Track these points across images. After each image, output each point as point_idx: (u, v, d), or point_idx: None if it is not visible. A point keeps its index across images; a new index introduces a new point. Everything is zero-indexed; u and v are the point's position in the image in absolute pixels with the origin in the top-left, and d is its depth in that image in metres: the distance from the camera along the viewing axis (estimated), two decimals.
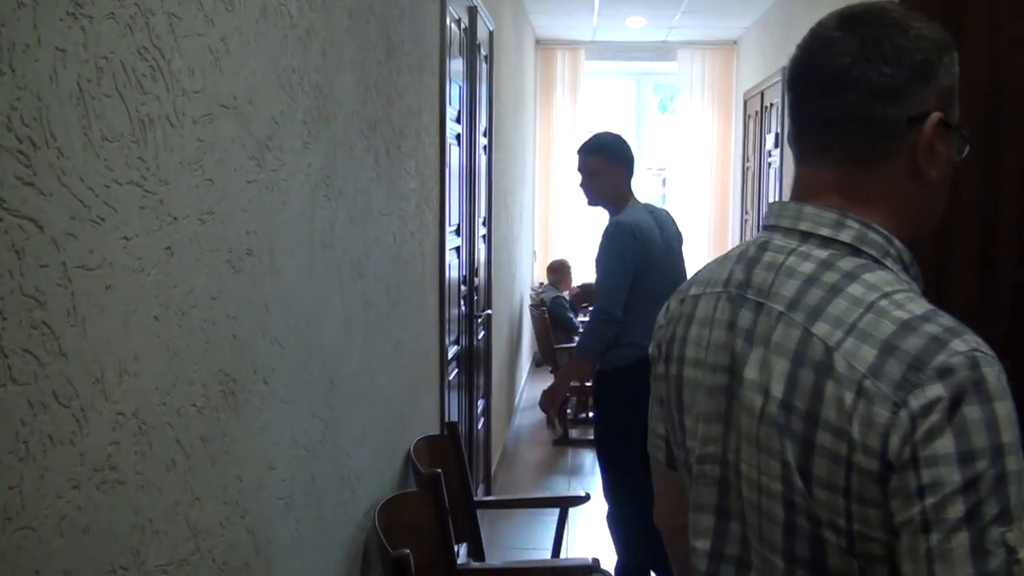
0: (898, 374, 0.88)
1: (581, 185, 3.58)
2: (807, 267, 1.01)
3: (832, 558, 0.94)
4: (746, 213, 7.95)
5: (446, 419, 3.37)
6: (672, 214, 3.66)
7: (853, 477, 0.90)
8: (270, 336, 1.62)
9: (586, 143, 3.59)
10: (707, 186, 8.94)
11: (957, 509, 0.83)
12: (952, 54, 1.04)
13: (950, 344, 0.88)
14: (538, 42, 8.85)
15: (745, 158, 8.05)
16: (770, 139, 6.91)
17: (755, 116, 7.62)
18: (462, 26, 3.88)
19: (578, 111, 9.03)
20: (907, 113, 1.01)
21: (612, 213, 3.50)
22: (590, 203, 3.59)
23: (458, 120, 3.84)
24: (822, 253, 1.01)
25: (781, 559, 0.98)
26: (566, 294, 7.32)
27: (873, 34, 1.02)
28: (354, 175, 2.14)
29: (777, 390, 0.97)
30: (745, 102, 8.08)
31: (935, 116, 1.01)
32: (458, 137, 3.84)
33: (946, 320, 0.92)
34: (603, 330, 3.31)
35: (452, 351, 3.67)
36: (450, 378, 3.62)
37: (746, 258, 1.09)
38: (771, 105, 6.99)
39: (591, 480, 5.51)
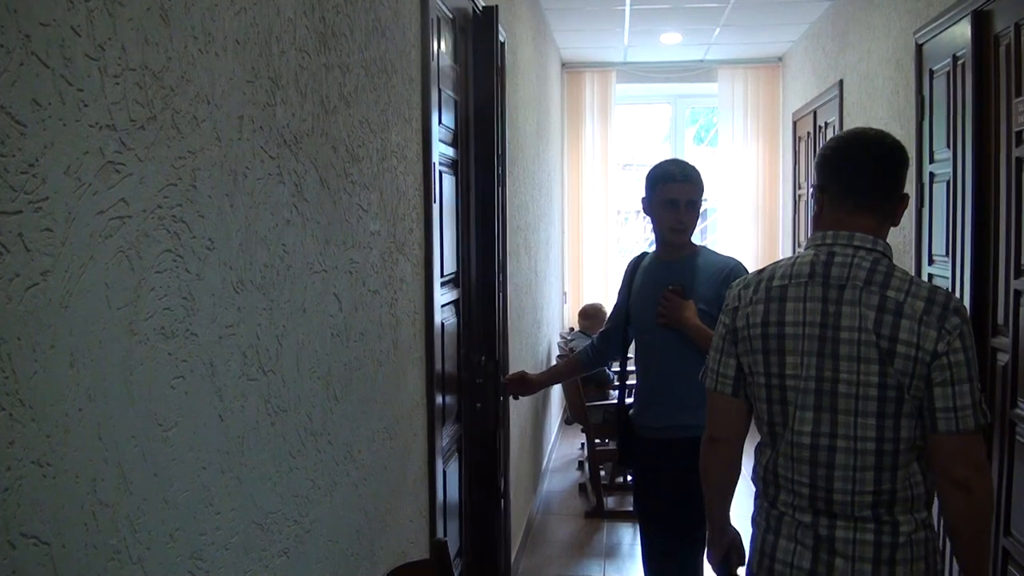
0: (938, 313, 1.78)
1: (683, 219, 2.95)
2: (867, 263, 1.86)
3: (906, 407, 1.80)
4: (798, 245, 7.09)
5: (437, 533, 2.58)
6: None
7: (916, 364, 1.77)
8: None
9: (689, 169, 2.98)
10: (753, 217, 8.09)
11: (964, 374, 1.77)
12: None
13: (952, 297, 1.81)
14: (564, 65, 8.12)
15: (796, 185, 7.21)
16: None
17: (806, 138, 6.80)
18: (457, 25, 3.12)
19: (610, 139, 8.26)
20: (900, 194, 1.95)
21: (667, 252, 3.04)
22: (683, 241, 2.98)
23: (454, 144, 3.08)
24: (870, 256, 1.87)
25: (873, 418, 1.81)
26: None
27: (895, 145, 1.95)
28: (243, 216, 1.38)
29: (869, 327, 1.81)
30: (795, 123, 7.26)
31: (907, 194, 1.96)
32: (453, 164, 3.08)
33: (939, 285, 2.11)
34: None
35: (445, 438, 2.88)
36: (445, 469, 2.83)
37: (820, 263, 1.90)
38: (826, 124, 6.17)
39: (630, 565, 4.68)
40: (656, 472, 2.96)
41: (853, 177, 1.90)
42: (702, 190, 2.98)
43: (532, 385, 3.50)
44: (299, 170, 1.60)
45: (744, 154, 8.06)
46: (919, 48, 4.20)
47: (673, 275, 2.90)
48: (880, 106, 4.83)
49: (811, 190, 2.23)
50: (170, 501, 1.19)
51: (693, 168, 2.97)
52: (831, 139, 2.08)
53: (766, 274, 1.98)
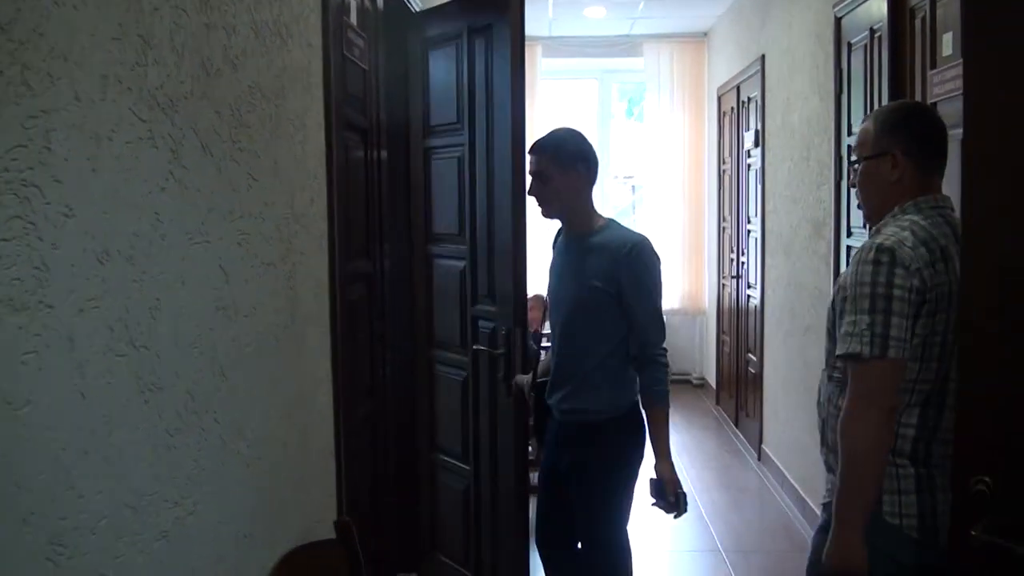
0: None
1: (530, 192, 2.86)
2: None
3: None
4: (724, 220, 7.16)
5: (347, 512, 2.52)
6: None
7: None
8: None
9: (537, 141, 2.86)
10: (680, 192, 8.13)
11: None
12: None
13: None
14: None
15: (721, 160, 7.26)
16: (749, 137, 6.12)
17: (731, 113, 6.84)
18: None
19: (536, 113, 8.19)
20: None
21: (567, 228, 2.89)
22: (544, 214, 2.80)
23: (364, 112, 3.00)
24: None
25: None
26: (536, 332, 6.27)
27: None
28: (108, 182, 1.30)
29: None
30: (719, 98, 7.30)
31: None
32: (364, 134, 3.00)
33: None
34: (668, 366, 2.82)
35: (356, 414, 2.82)
36: (357, 446, 2.77)
37: (953, 223, 1.96)
38: (749, 100, 6.21)
39: None
40: (560, 454, 2.91)
41: (940, 143, 2.03)
42: (556, 161, 2.75)
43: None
44: (176, 135, 1.52)
45: (671, 129, 8.09)
46: (838, 21, 4.23)
47: (577, 251, 2.82)
48: (801, 80, 4.87)
49: (872, 156, 2.00)
50: (23, 484, 1.11)
51: (551, 137, 2.83)
52: (902, 104, 2.19)
53: (920, 235, 1.94)
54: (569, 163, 2.76)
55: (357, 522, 2.62)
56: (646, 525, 4.71)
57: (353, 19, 2.79)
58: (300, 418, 2.21)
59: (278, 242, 2.04)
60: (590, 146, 2.84)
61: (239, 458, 1.80)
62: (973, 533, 1.56)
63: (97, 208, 1.27)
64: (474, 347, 3.62)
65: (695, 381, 8.27)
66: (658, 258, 2.78)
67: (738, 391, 6.55)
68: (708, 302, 8.00)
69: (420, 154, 3.95)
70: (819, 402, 2.15)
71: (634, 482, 2.86)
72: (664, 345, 2.77)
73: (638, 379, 2.79)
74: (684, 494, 2.76)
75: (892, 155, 2.01)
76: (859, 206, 2.18)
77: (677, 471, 2.79)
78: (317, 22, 2.38)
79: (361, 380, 2.86)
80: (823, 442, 2.12)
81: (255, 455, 1.89)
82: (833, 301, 2.07)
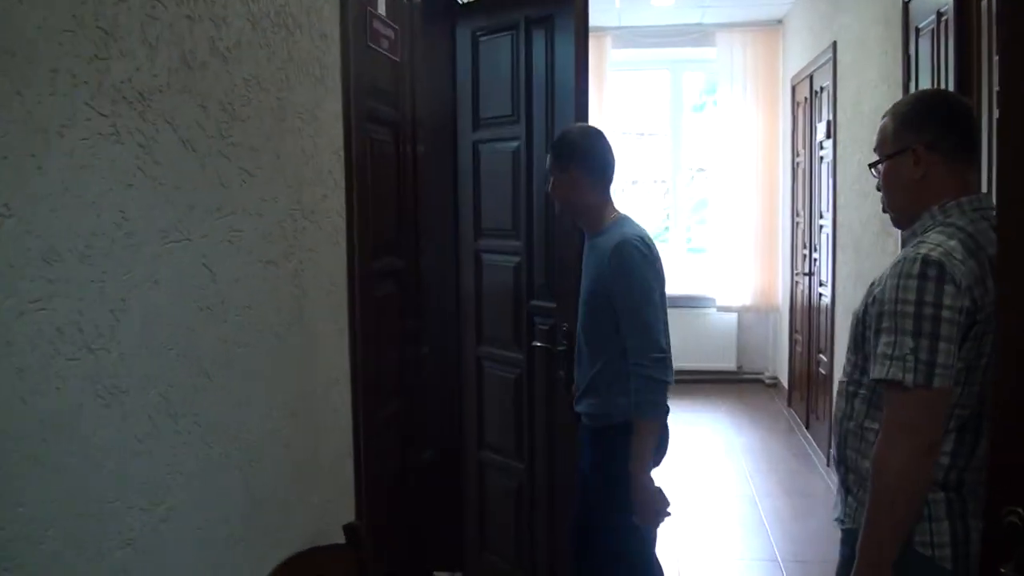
0: None
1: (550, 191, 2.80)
2: None
3: None
4: (797, 215, 6.90)
5: (364, 515, 2.47)
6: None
7: None
8: None
9: (557, 137, 2.82)
10: (753, 185, 7.87)
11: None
12: None
13: None
14: None
15: (794, 152, 7.01)
16: (821, 128, 5.87)
17: (804, 103, 6.59)
18: None
19: (605, 106, 8.04)
20: None
21: (586, 231, 2.80)
22: (558, 213, 2.73)
23: (396, 105, 2.94)
24: None
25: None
26: None
27: None
28: (58, 179, 1.25)
29: None
30: (793, 88, 7.04)
31: None
32: (396, 127, 2.93)
33: None
34: (662, 375, 2.53)
35: (379, 414, 2.76)
36: (378, 448, 2.71)
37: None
38: (821, 90, 5.96)
39: None
40: (582, 458, 2.85)
41: (967, 133, 1.86)
42: (555, 160, 2.73)
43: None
44: (146, 130, 1.46)
45: (744, 120, 7.84)
46: (906, 6, 4.00)
47: (587, 252, 2.75)
48: (871, 68, 4.63)
49: (896, 152, 1.79)
50: None
51: (558, 135, 2.81)
52: (921, 94, 1.98)
53: (968, 245, 1.75)
54: (565, 162, 2.69)
55: (380, 524, 2.57)
56: (698, 530, 4.57)
57: (381, 9, 2.73)
58: (309, 419, 2.15)
59: (280, 239, 1.99)
60: (595, 144, 2.72)
61: (227, 461, 1.75)
62: (1003, 571, 1.40)
63: (43, 206, 1.23)
64: (532, 343, 3.54)
65: (767, 381, 8.02)
66: (646, 256, 2.57)
67: (809, 392, 6.31)
68: (781, 299, 7.74)
69: (469, 148, 3.88)
70: (837, 417, 1.99)
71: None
72: (655, 353, 2.52)
73: None
74: (665, 506, 2.60)
75: (913, 151, 1.83)
76: (884, 210, 2.00)
77: (668, 484, 2.67)
78: (333, 12, 2.31)
79: (387, 379, 2.80)
80: (840, 460, 1.96)
81: (248, 458, 1.84)
82: (864, 312, 1.87)
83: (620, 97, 8.34)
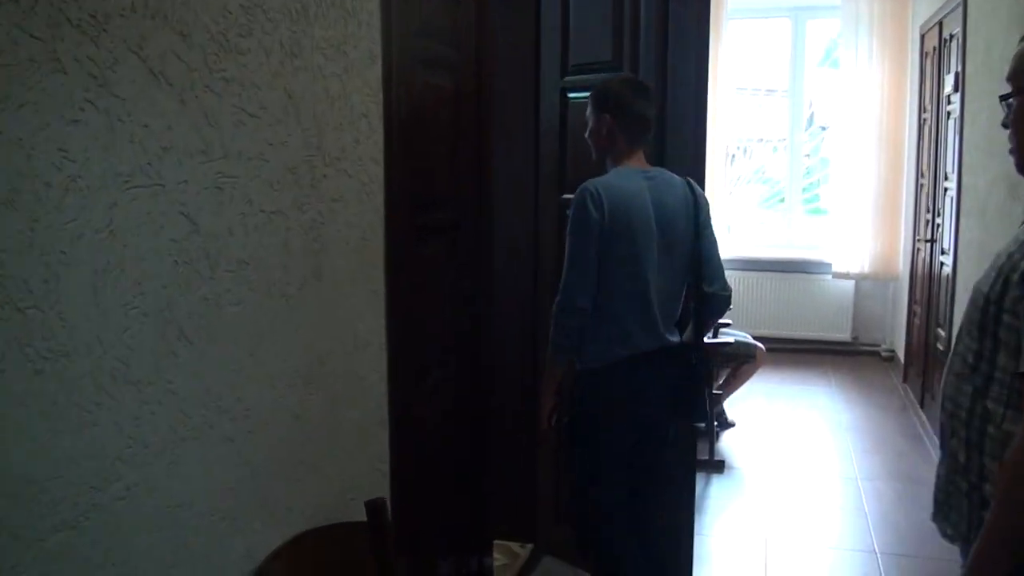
0: None
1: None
2: None
3: None
4: (922, 176, 6.35)
5: (399, 491, 2.29)
6: (695, 186, 2.77)
7: None
8: None
9: None
10: (876, 143, 7.28)
11: None
12: None
13: None
14: None
15: (921, 107, 6.43)
16: (949, 81, 5.32)
17: (932, 54, 6.00)
18: None
19: (721, 57, 7.56)
20: None
21: None
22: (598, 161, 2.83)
23: (455, 45, 2.70)
24: None
25: None
26: None
27: None
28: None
29: None
30: (922, 37, 6.43)
31: None
32: (453, 70, 2.70)
33: None
34: (565, 322, 2.62)
35: (422, 383, 2.56)
36: (419, 416, 2.53)
37: None
38: (951, 37, 5.39)
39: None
40: None
41: None
42: (591, 105, 2.78)
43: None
44: (101, 58, 1.28)
45: (869, 72, 7.22)
46: None
47: None
48: (1003, 12, 4.11)
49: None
50: None
51: (603, 83, 2.81)
52: None
53: None
54: (597, 107, 2.73)
55: (423, 496, 2.40)
56: (789, 512, 4.25)
57: None
58: (326, 385, 1.97)
59: (291, 187, 1.79)
60: (625, 91, 2.71)
61: (212, 432, 1.58)
62: None
63: None
64: None
65: (884, 354, 7.49)
66: (584, 202, 2.55)
67: (925, 369, 5.82)
68: (902, 267, 7.19)
69: (556, 96, 3.61)
70: (962, 419, 1.66)
71: (589, 449, 2.71)
72: (564, 301, 2.59)
73: (610, 333, 2.64)
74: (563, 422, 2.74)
75: None
76: (1011, 151, 1.65)
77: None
78: None
79: (434, 343, 2.60)
80: (969, 468, 1.64)
81: (244, 429, 1.67)
82: (1003, 293, 1.55)
83: (738, 49, 7.84)
